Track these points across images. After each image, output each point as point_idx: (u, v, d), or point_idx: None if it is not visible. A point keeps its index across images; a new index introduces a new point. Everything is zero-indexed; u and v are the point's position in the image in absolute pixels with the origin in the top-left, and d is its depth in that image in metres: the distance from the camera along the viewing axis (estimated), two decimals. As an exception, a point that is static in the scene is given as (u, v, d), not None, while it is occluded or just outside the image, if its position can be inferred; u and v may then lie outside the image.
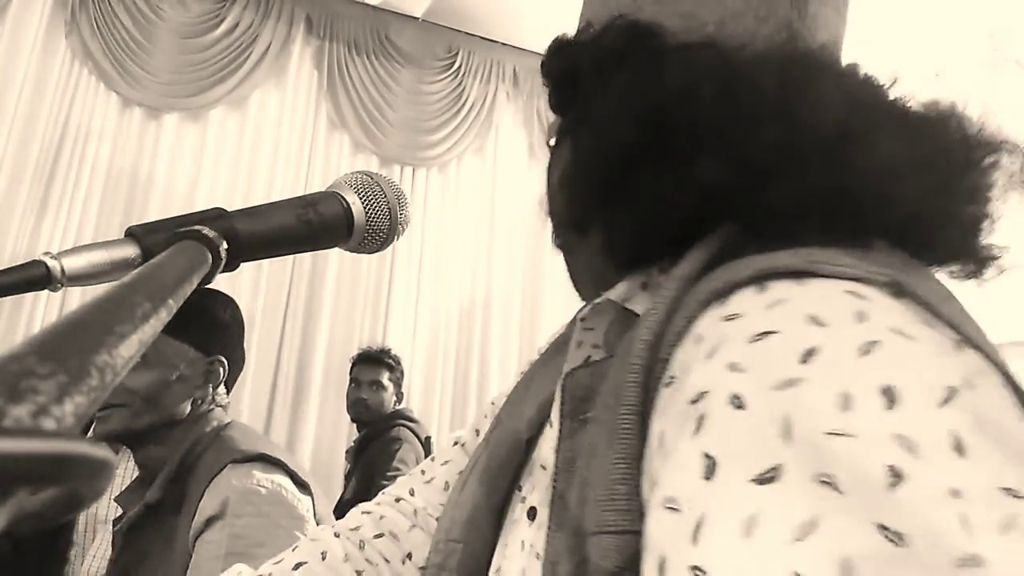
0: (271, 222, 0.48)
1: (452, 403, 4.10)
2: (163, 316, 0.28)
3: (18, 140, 3.45)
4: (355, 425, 3.13)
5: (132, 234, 0.42)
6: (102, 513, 1.74)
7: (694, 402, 0.32)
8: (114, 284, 0.28)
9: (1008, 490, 0.26)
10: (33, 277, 0.38)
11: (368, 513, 0.70)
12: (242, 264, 0.47)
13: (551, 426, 0.48)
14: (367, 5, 4.21)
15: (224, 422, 1.24)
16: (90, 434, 1.93)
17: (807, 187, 0.39)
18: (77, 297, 3.13)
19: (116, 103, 3.71)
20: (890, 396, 0.28)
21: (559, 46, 0.52)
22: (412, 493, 0.71)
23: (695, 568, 0.28)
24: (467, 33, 4.43)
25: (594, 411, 0.42)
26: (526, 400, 0.57)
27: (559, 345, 0.61)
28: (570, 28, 0.55)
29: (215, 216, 0.46)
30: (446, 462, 0.72)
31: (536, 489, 0.48)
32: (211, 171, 3.81)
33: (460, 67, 4.39)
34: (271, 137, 3.96)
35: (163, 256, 0.36)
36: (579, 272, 0.56)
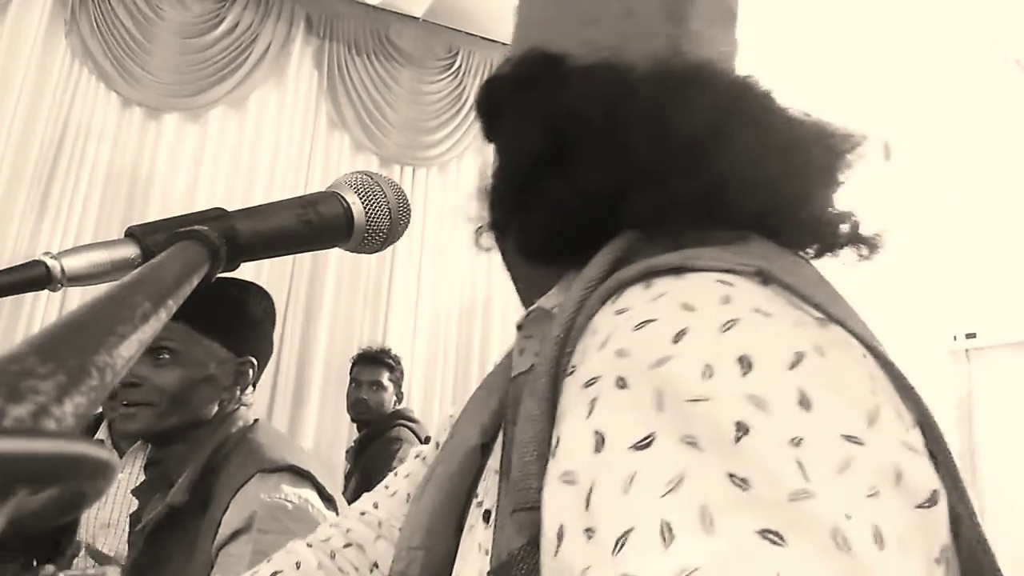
0: (271, 222, 0.48)
1: (452, 403, 4.10)
2: (163, 316, 0.28)
3: (18, 140, 3.45)
4: (355, 425, 3.13)
5: (132, 234, 0.42)
6: (104, 517, 1.74)
7: (587, 386, 0.36)
8: (114, 284, 0.28)
9: (848, 437, 0.30)
10: (33, 277, 0.38)
11: (336, 526, 0.74)
12: (242, 264, 0.47)
13: (503, 433, 0.52)
14: (367, 5, 4.21)
15: (249, 422, 1.21)
16: (114, 431, 1.93)
17: (679, 187, 0.43)
18: (77, 297, 3.13)
19: (116, 103, 3.71)
20: (745, 363, 0.32)
21: (486, 83, 0.58)
22: (376, 506, 0.74)
23: (588, 530, 0.31)
24: (467, 33, 4.43)
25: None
26: (479, 410, 0.60)
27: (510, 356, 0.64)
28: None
29: (215, 216, 0.46)
30: (407, 475, 0.75)
31: (489, 493, 0.52)
32: (211, 171, 3.81)
33: (460, 67, 4.39)
34: (271, 137, 3.96)
35: (163, 256, 0.36)
36: (512, 275, 0.60)
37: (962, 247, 3.54)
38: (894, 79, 3.55)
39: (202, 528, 1.08)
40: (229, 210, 0.48)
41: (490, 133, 0.58)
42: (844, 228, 0.48)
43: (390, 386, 3.06)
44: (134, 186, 3.66)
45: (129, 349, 0.23)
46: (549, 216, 0.48)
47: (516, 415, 0.47)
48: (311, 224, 0.50)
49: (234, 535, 1.05)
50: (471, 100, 4.37)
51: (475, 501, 0.55)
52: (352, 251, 0.55)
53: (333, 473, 3.69)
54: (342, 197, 0.53)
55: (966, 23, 3.35)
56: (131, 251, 0.41)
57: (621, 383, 0.35)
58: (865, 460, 0.30)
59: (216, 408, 1.17)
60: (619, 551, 0.30)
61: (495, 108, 0.56)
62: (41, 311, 3.39)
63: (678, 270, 0.39)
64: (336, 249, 0.54)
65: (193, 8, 3.91)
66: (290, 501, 1.08)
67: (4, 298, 0.37)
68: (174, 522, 1.12)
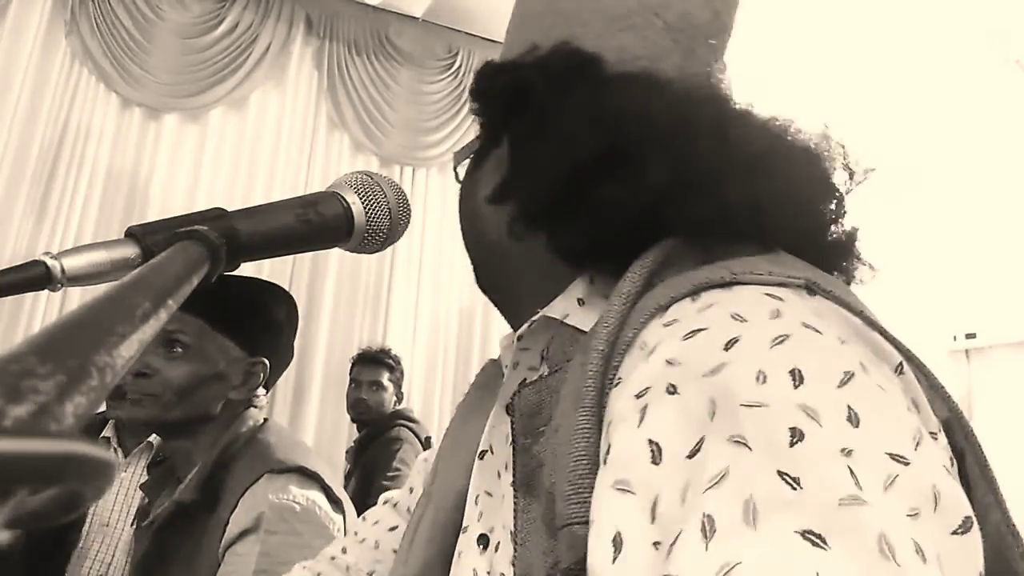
0: (271, 222, 0.48)
1: (452, 403, 4.10)
2: (163, 316, 0.28)
3: (18, 140, 3.45)
4: (355, 425, 3.13)
5: (132, 234, 0.42)
6: (105, 516, 1.74)
7: (638, 397, 0.36)
8: (114, 284, 0.28)
9: (894, 456, 0.31)
10: (33, 277, 0.38)
11: (306, 568, 0.77)
12: (242, 264, 0.47)
13: (492, 452, 0.53)
14: (367, 5, 4.21)
15: (259, 422, 1.20)
16: (121, 431, 1.93)
17: (733, 196, 0.45)
18: (77, 297, 3.13)
19: (116, 103, 3.71)
20: (797, 376, 0.33)
21: (504, 66, 0.58)
22: (344, 551, 0.75)
23: (656, 543, 0.32)
24: (467, 33, 4.43)
25: (551, 423, 0.45)
26: (460, 447, 0.61)
27: (482, 387, 0.65)
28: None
29: (215, 216, 0.46)
30: (376, 522, 0.76)
31: (486, 515, 0.52)
32: (211, 171, 3.81)
33: (460, 67, 4.39)
34: (271, 137, 3.96)
35: (163, 256, 0.36)
36: (508, 277, 0.59)
37: (962, 247, 3.54)
38: (894, 79, 3.55)
39: (209, 526, 1.08)
40: (229, 210, 0.48)
41: (505, 121, 0.57)
42: (857, 254, 0.51)
43: (390, 386, 3.06)
44: (134, 186, 3.66)
45: (129, 349, 0.23)
46: (607, 214, 0.48)
47: (533, 425, 0.48)
48: (311, 224, 0.50)
49: (242, 535, 1.05)
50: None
51: (461, 527, 0.55)
52: (352, 251, 0.55)
53: (333, 473, 3.69)
54: (342, 197, 0.53)
55: (966, 23, 3.35)
56: (131, 251, 0.41)
57: (672, 390, 0.35)
58: (908, 480, 0.30)
59: (222, 405, 1.17)
60: (669, 554, 0.30)
61: (520, 97, 0.54)
62: (41, 311, 3.39)
63: (727, 284, 0.40)
64: (336, 249, 0.54)
65: (193, 8, 3.91)
66: (298, 503, 1.08)
67: (4, 298, 0.37)
68: (182, 519, 1.12)
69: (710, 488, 0.30)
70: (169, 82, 3.78)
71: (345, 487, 3.05)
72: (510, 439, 0.49)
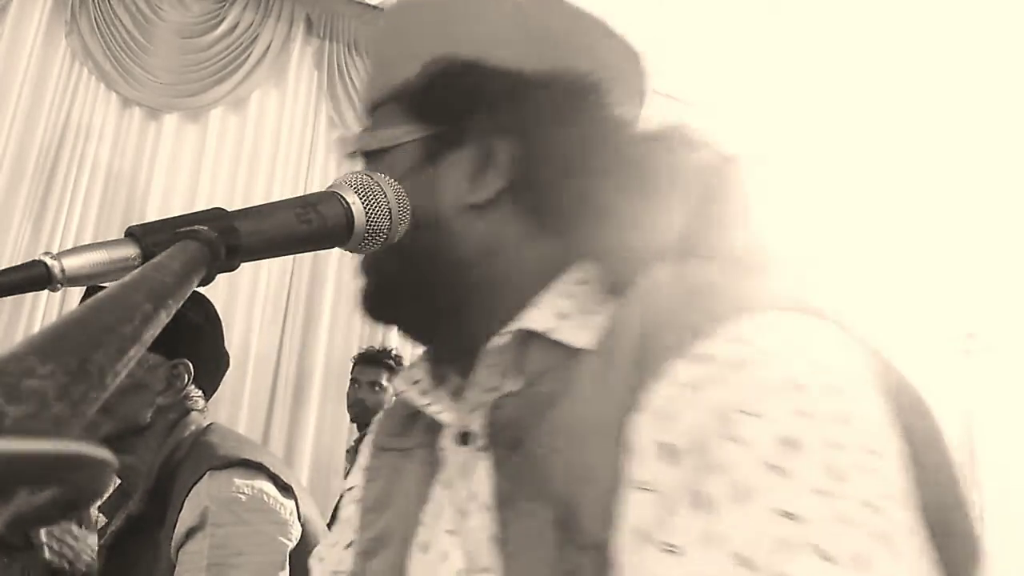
0: (271, 222, 0.48)
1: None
2: (163, 316, 0.28)
3: (18, 140, 3.45)
4: (355, 425, 3.13)
5: (132, 234, 0.42)
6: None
7: (660, 418, 0.40)
8: (114, 284, 0.28)
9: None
10: (33, 277, 0.38)
11: None
12: (242, 264, 0.47)
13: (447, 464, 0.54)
14: (367, 5, 4.21)
15: (202, 426, 1.19)
16: None
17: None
18: (77, 297, 3.13)
19: (116, 103, 3.71)
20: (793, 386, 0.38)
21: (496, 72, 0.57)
22: None
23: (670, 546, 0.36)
24: (467, 33, 4.43)
25: (550, 437, 0.47)
26: (392, 505, 0.60)
27: (386, 448, 0.65)
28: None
29: (215, 216, 0.46)
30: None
31: (440, 519, 0.54)
32: (211, 171, 3.81)
33: (460, 67, 4.38)
34: (271, 137, 3.95)
35: (163, 256, 0.36)
36: (471, 298, 0.57)
37: (963, 248, 3.54)
38: (894, 82, 3.55)
39: (162, 535, 1.08)
40: (229, 210, 0.48)
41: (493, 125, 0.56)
42: None
43: (390, 387, 3.06)
44: (134, 186, 3.66)
45: (129, 349, 0.23)
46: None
47: (511, 438, 0.49)
48: (311, 224, 0.50)
49: (189, 533, 1.05)
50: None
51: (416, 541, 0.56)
52: (352, 251, 0.55)
53: (333, 473, 3.69)
54: (342, 197, 0.52)
55: (966, 23, 3.35)
56: (131, 251, 0.41)
57: (691, 402, 0.39)
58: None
59: (153, 413, 1.16)
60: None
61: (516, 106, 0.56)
62: (41, 311, 3.39)
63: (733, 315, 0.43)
64: (336, 249, 0.54)
65: (193, 8, 3.90)
66: (243, 493, 1.08)
67: (4, 298, 0.37)
68: (135, 532, 1.12)
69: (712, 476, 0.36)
70: (169, 82, 3.78)
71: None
72: (487, 452, 0.51)
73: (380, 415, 0.72)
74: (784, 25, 3.35)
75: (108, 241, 0.41)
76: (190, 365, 1.20)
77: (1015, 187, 3.43)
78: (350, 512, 0.68)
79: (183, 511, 1.06)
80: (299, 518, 1.15)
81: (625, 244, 0.51)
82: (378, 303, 0.61)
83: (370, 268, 0.60)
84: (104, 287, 0.31)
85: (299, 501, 1.16)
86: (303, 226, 0.50)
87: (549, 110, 0.54)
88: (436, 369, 0.62)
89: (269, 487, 1.12)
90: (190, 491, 1.07)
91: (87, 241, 2.66)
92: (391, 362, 3.10)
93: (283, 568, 1.09)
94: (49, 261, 0.38)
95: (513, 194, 0.55)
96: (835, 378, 0.39)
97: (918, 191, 3.57)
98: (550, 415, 0.49)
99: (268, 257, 0.49)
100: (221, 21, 3.92)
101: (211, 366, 1.25)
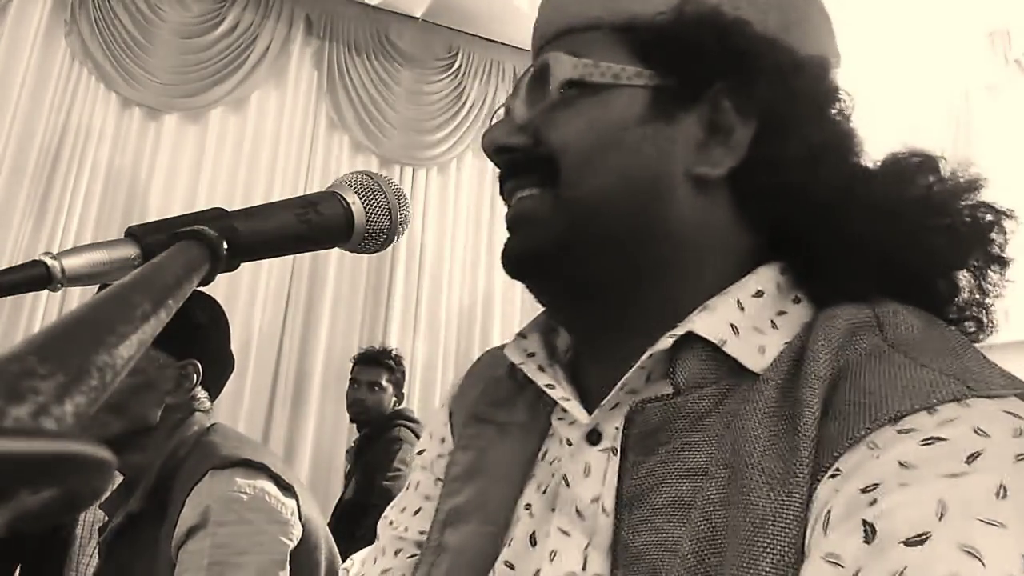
0: (271, 222, 0.48)
1: (452, 403, 4.10)
2: (163, 316, 0.28)
3: (18, 140, 3.45)
4: (355, 425, 3.13)
5: (132, 234, 0.42)
6: (100, 515, 1.74)
7: (865, 491, 0.37)
8: (114, 284, 0.28)
9: None
10: (33, 277, 0.38)
11: None
12: (242, 264, 0.47)
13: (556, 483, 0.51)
14: (367, 5, 4.20)
15: (205, 426, 1.20)
16: None
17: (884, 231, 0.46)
18: (77, 297, 3.13)
19: (116, 103, 3.71)
20: None
21: (757, 34, 0.51)
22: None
23: None
24: (467, 33, 4.43)
25: (695, 459, 0.45)
26: (489, 475, 0.57)
27: (499, 404, 0.60)
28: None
29: (215, 216, 0.46)
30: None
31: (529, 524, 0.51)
32: (211, 171, 3.81)
33: (460, 67, 4.39)
34: (271, 137, 3.96)
35: (163, 256, 0.36)
36: (658, 276, 0.52)
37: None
38: (894, 82, 3.55)
39: (161, 534, 1.08)
40: (229, 210, 0.48)
41: (753, 92, 0.49)
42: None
43: (389, 387, 3.06)
44: (134, 186, 3.66)
45: (129, 349, 0.23)
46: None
47: (649, 444, 0.47)
48: (311, 224, 0.50)
49: (190, 532, 1.05)
50: (471, 100, 4.37)
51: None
52: (352, 251, 0.55)
53: (333, 473, 3.69)
54: (342, 197, 0.52)
55: (966, 23, 3.35)
56: (131, 251, 0.41)
57: (904, 485, 0.36)
58: None
59: (160, 413, 1.17)
60: None
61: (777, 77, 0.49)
62: (41, 311, 3.39)
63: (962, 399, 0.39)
64: (336, 249, 0.54)
65: (193, 8, 3.90)
66: (245, 492, 1.08)
67: (4, 298, 0.37)
68: (134, 530, 1.12)
69: None
70: (169, 82, 3.78)
71: (345, 487, 3.05)
72: (616, 453, 0.48)
73: (472, 378, 0.65)
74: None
75: (108, 241, 0.41)
76: (199, 365, 1.20)
77: (1015, 187, 3.43)
78: (419, 477, 0.66)
79: (184, 510, 1.07)
80: (300, 518, 1.15)
81: (833, 257, 0.48)
82: (537, 257, 0.53)
83: (532, 218, 0.53)
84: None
85: (300, 501, 1.16)
86: (303, 226, 0.50)
87: (807, 100, 0.49)
88: (551, 341, 0.58)
89: (270, 487, 1.12)
90: (191, 490, 1.08)
91: (87, 241, 2.66)
92: (391, 362, 3.10)
93: (284, 567, 1.09)
94: (49, 261, 0.38)
95: (737, 177, 0.50)
96: None
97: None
98: (697, 430, 0.46)
99: (268, 257, 0.49)
100: (221, 21, 3.92)
101: (217, 367, 1.25)
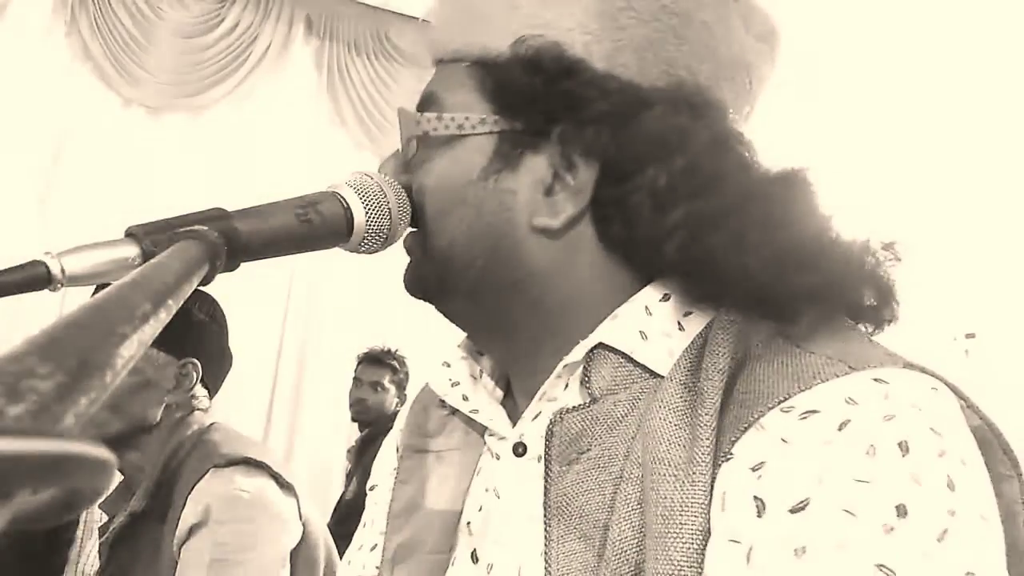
0: (271, 222, 0.48)
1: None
2: (163, 316, 0.28)
3: (18, 140, 3.45)
4: (356, 425, 3.14)
5: (132, 234, 0.42)
6: (99, 515, 1.74)
7: (754, 469, 0.40)
8: (114, 284, 0.28)
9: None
10: (33, 277, 0.38)
11: None
12: (242, 264, 0.47)
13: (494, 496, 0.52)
14: (367, 5, 4.20)
15: (205, 425, 1.21)
16: None
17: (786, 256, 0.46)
18: (77, 297, 3.13)
19: (116, 103, 3.71)
20: (904, 447, 0.37)
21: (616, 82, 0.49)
22: None
23: None
24: (467, 33, 4.43)
25: (592, 452, 0.47)
26: (423, 510, 0.58)
27: (430, 435, 0.61)
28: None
29: (215, 216, 0.46)
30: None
31: (491, 542, 0.52)
32: (211, 171, 3.81)
33: (460, 67, 4.38)
34: (271, 137, 3.95)
35: (163, 256, 0.36)
36: (544, 313, 0.52)
37: (963, 247, 3.54)
38: (893, 80, 3.55)
39: (164, 532, 1.09)
40: (229, 210, 0.48)
41: (600, 137, 0.49)
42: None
43: (392, 388, 3.07)
44: (134, 186, 3.66)
45: (129, 349, 0.23)
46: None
47: (570, 453, 0.48)
48: (311, 224, 0.50)
49: (192, 530, 1.06)
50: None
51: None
52: (352, 251, 0.55)
53: (333, 473, 3.69)
54: (342, 197, 0.52)
55: (967, 24, 3.35)
56: (131, 251, 0.41)
57: (785, 457, 0.39)
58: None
59: (161, 412, 1.17)
60: None
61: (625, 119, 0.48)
62: (41, 311, 3.39)
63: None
64: (336, 249, 0.54)
65: (193, 8, 3.90)
66: (245, 491, 1.09)
67: (4, 298, 0.37)
68: (136, 529, 1.13)
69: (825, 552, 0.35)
70: (169, 82, 3.78)
71: (346, 487, 3.05)
72: (540, 461, 0.49)
73: (408, 413, 0.67)
74: (784, 25, 3.34)
75: (108, 241, 0.41)
76: (199, 364, 1.21)
77: (1015, 187, 3.43)
78: (373, 514, 0.66)
79: (186, 508, 1.07)
80: (300, 517, 1.16)
81: (718, 258, 0.46)
82: (423, 291, 0.56)
83: (411, 254, 0.56)
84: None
85: (299, 500, 1.16)
86: (303, 226, 0.50)
87: (656, 135, 0.47)
88: (473, 367, 0.60)
89: (271, 486, 1.13)
90: (193, 488, 1.08)
91: (87, 241, 2.65)
92: (394, 363, 3.11)
93: (284, 566, 1.10)
94: (49, 261, 0.38)
95: (593, 219, 0.50)
96: (945, 442, 0.38)
97: (918, 191, 3.57)
98: (615, 435, 0.47)
99: (268, 257, 0.49)
100: (221, 21, 3.92)
101: (216, 366, 1.26)
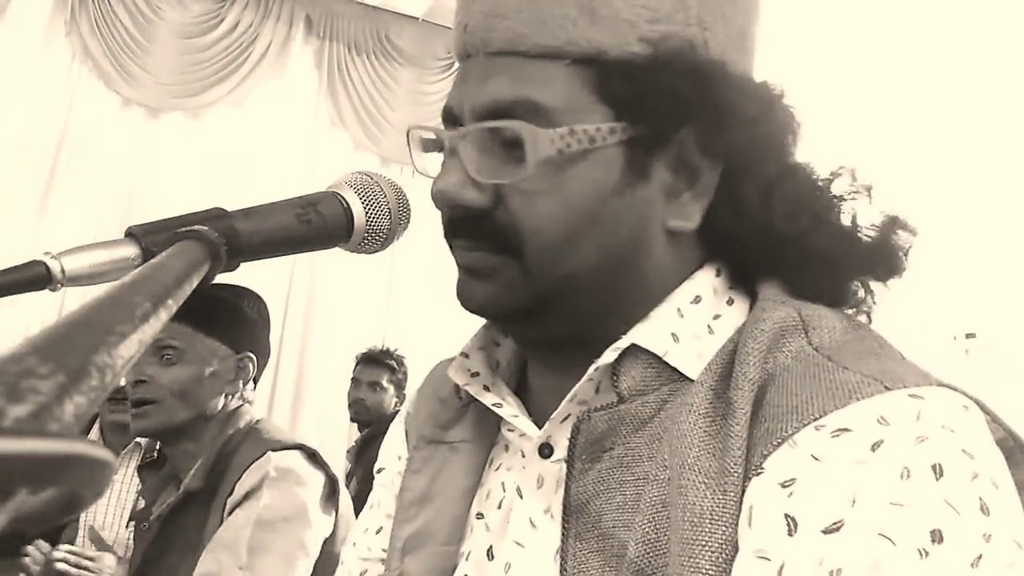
0: (271, 222, 0.48)
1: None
2: (163, 316, 0.28)
3: (18, 140, 3.45)
4: (356, 425, 3.14)
5: (132, 234, 0.42)
6: (100, 520, 1.74)
7: (784, 486, 0.40)
8: (114, 284, 0.28)
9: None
10: (33, 277, 0.38)
11: None
12: (242, 264, 0.47)
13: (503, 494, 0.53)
14: (367, 5, 4.21)
15: (255, 419, 1.28)
16: (106, 432, 1.98)
17: (825, 235, 0.49)
18: (77, 297, 3.13)
19: (116, 103, 3.71)
20: (938, 471, 0.37)
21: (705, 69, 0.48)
22: None
23: None
24: (467, 33, 4.43)
25: (617, 452, 0.47)
26: (435, 501, 0.58)
27: (445, 426, 0.60)
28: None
29: (215, 216, 0.46)
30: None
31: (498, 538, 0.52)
32: (211, 171, 3.81)
33: (460, 67, 4.39)
34: (271, 137, 3.96)
35: (163, 256, 0.36)
36: (612, 305, 0.50)
37: (963, 247, 3.54)
38: (892, 80, 3.55)
39: (212, 510, 1.15)
40: (229, 210, 0.48)
41: (713, 138, 0.47)
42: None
43: (390, 388, 3.07)
44: (134, 186, 3.66)
45: (129, 349, 0.23)
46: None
47: (594, 451, 0.48)
48: (311, 224, 0.50)
49: (247, 495, 1.13)
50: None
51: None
52: (352, 251, 0.55)
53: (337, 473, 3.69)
54: (342, 197, 0.52)
55: (966, 24, 3.35)
56: (131, 251, 0.41)
57: (818, 478, 0.39)
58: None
59: (221, 403, 1.24)
60: None
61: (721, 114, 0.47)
62: (41, 311, 3.39)
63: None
64: (336, 249, 0.54)
65: (193, 8, 3.91)
66: (299, 471, 1.18)
67: (4, 298, 0.37)
68: (187, 508, 1.18)
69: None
70: (169, 82, 3.78)
71: (346, 487, 3.05)
72: (565, 461, 0.49)
73: (418, 398, 0.65)
74: (782, 25, 3.35)
75: (108, 241, 0.41)
76: (255, 358, 1.28)
77: (1015, 187, 3.43)
78: (380, 496, 0.66)
79: (243, 479, 1.14)
80: (337, 514, 1.24)
81: (826, 248, 0.49)
82: (500, 316, 0.53)
83: (494, 279, 0.51)
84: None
85: (339, 498, 1.26)
86: (303, 226, 0.50)
87: (771, 140, 0.49)
88: (490, 357, 0.59)
89: (320, 476, 1.22)
90: (250, 466, 1.15)
91: (87, 241, 2.65)
92: (392, 363, 3.11)
93: (307, 555, 1.16)
94: (49, 261, 0.38)
95: (704, 217, 0.49)
96: (977, 465, 0.38)
97: (918, 191, 3.57)
98: (640, 436, 0.47)
99: (268, 257, 0.49)
100: (221, 21, 3.92)
101: (261, 361, 1.33)
